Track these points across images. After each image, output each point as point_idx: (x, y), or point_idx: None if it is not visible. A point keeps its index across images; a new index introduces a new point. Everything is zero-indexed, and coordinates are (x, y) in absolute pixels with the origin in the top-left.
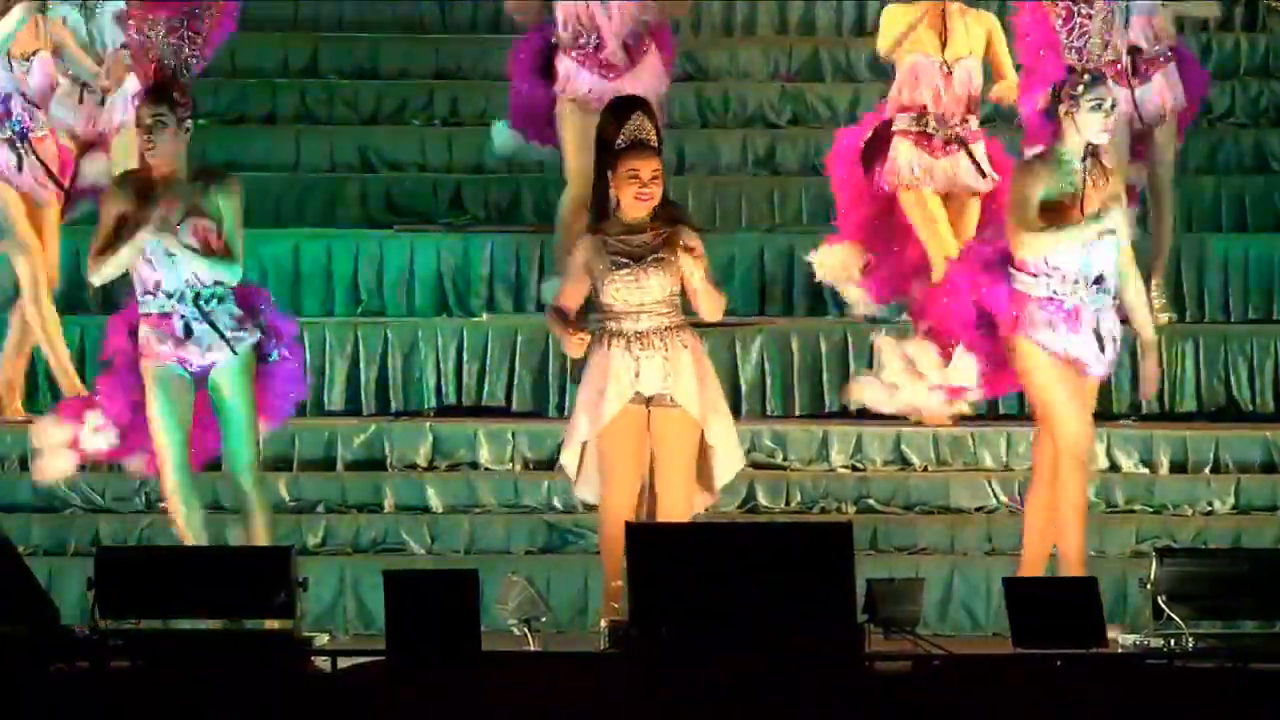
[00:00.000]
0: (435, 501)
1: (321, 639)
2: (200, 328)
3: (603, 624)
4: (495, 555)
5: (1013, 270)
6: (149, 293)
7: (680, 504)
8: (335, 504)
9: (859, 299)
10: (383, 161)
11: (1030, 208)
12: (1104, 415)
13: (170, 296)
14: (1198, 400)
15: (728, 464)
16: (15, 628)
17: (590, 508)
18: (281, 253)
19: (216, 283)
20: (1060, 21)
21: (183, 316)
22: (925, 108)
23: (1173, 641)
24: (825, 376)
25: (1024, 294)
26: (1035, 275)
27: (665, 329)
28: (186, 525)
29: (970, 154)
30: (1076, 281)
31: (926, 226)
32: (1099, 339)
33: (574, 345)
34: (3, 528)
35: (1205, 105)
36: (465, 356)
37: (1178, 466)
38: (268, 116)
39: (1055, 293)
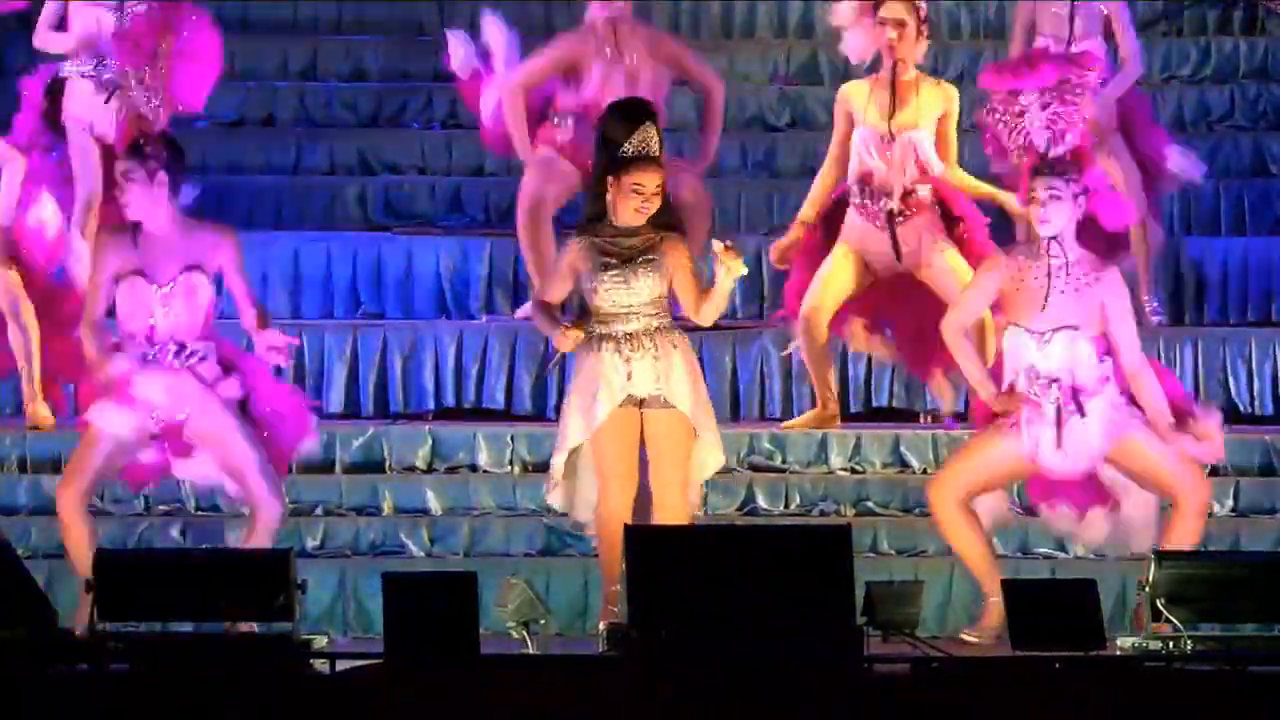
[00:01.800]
0: (434, 504)
1: (320, 641)
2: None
3: (602, 627)
4: (494, 558)
5: None
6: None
7: (678, 504)
8: (334, 506)
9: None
10: (382, 164)
11: (971, 291)
12: None
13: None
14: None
15: (711, 461)
16: (14, 630)
17: (563, 515)
18: (281, 255)
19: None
20: (1001, 125)
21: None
22: (870, 176)
23: (1171, 644)
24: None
25: None
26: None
27: (655, 330)
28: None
29: (893, 232)
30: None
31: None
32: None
33: (565, 340)
34: (2, 530)
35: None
36: (464, 359)
37: None
38: (267, 119)
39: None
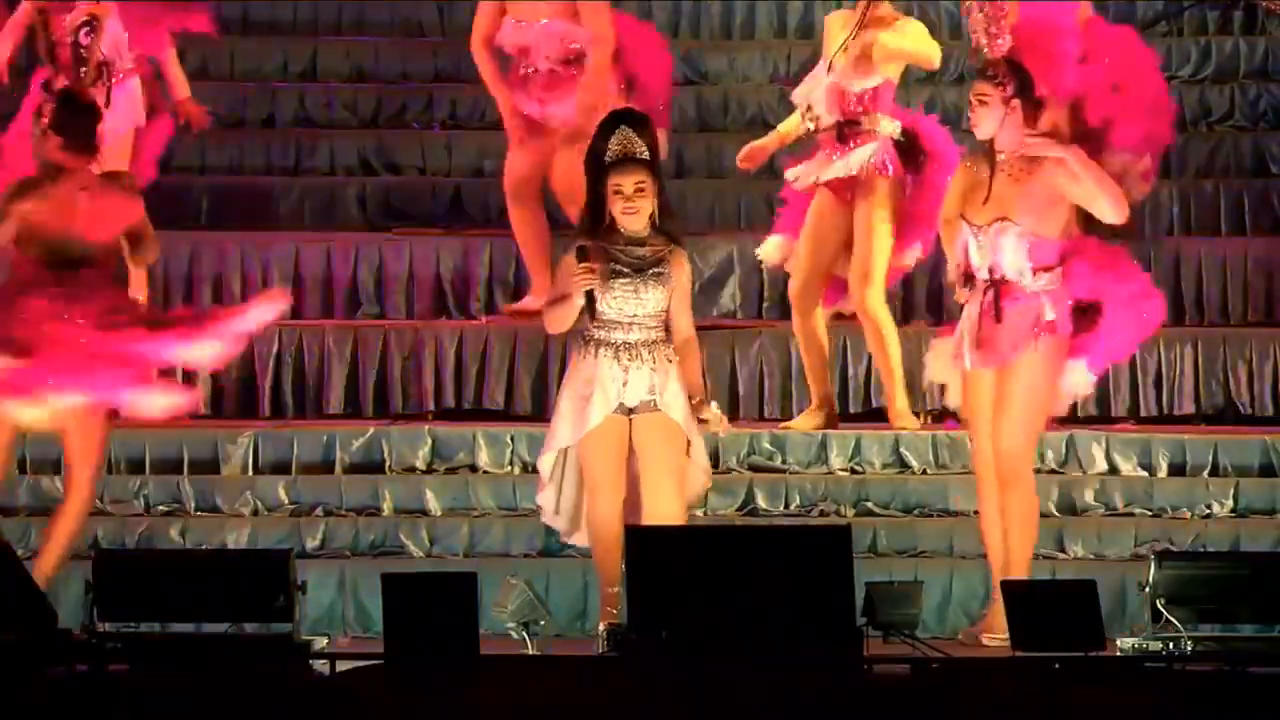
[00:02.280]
0: (434, 504)
1: (320, 642)
2: None
3: (601, 627)
4: (494, 558)
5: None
6: None
7: (673, 509)
8: (334, 507)
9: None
10: (382, 164)
11: (944, 202)
12: (1103, 418)
13: None
14: (1196, 403)
15: (696, 483)
16: (13, 631)
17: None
18: (281, 255)
19: None
20: (969, 19)
21: None
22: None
23: (1171, 645)
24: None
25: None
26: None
27: (653, 342)
28: None
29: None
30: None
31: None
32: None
33: (581, 282)
34: (1, 530)
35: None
36: (464, 359)
37: (1176, 469)
38: (267, 120)
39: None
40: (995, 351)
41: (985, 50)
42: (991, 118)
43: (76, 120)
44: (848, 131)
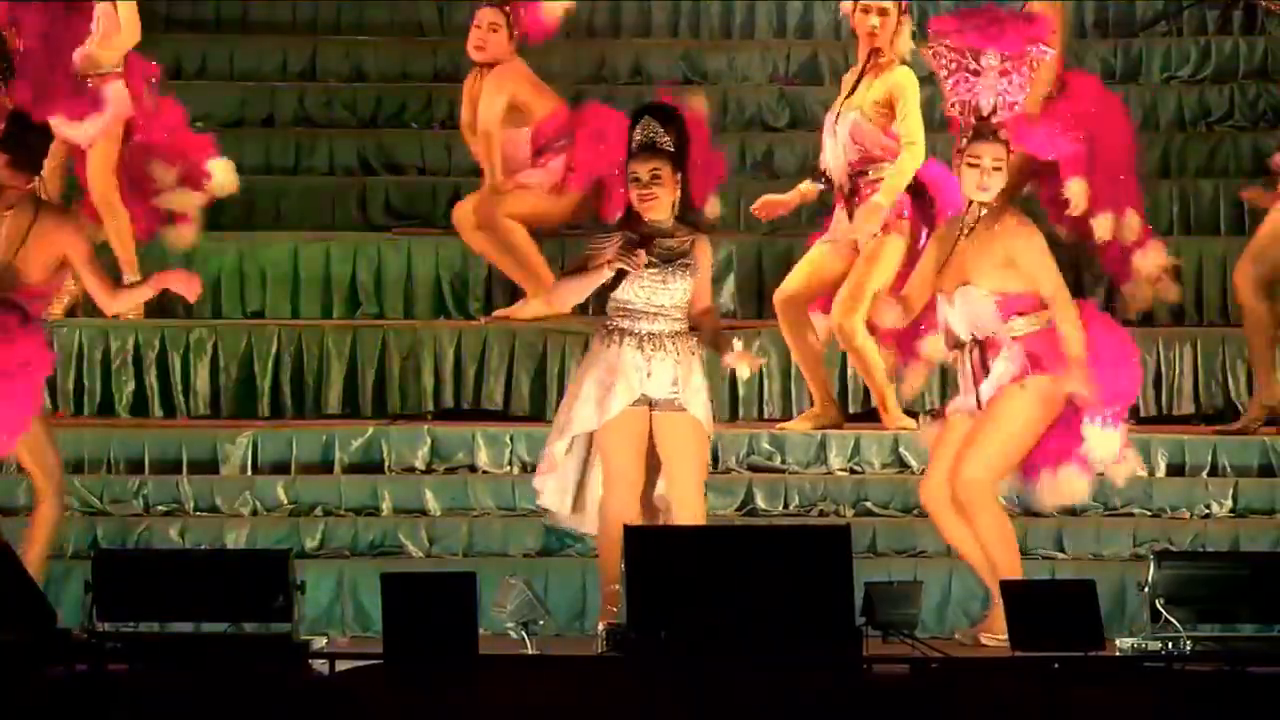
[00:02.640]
0: (433, 504)
1: (319, 642)
2: None
3: (600, 627)
4: (493, 558)
5: None
6: None
7: (697, 505)
8: (333, 507)
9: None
10: (381, 164)
11: (921, 260)
12: None
13: None
14: (1196, 403)
15: None
16: (13, 631)
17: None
18: (280, 256)
19: None
20: (945, 74)
21: None
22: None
23: (1170, 645)
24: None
25: None
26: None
27: (676, 334)
28: None
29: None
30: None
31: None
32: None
33: (622, 261)
34: (1, 530)
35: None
36: (463, 360)
37: (1175, 470)
38: (266, 120)
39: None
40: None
41: (983, 108)
42: (1001, 182)
43: (26, 138)
44: (860, 182)
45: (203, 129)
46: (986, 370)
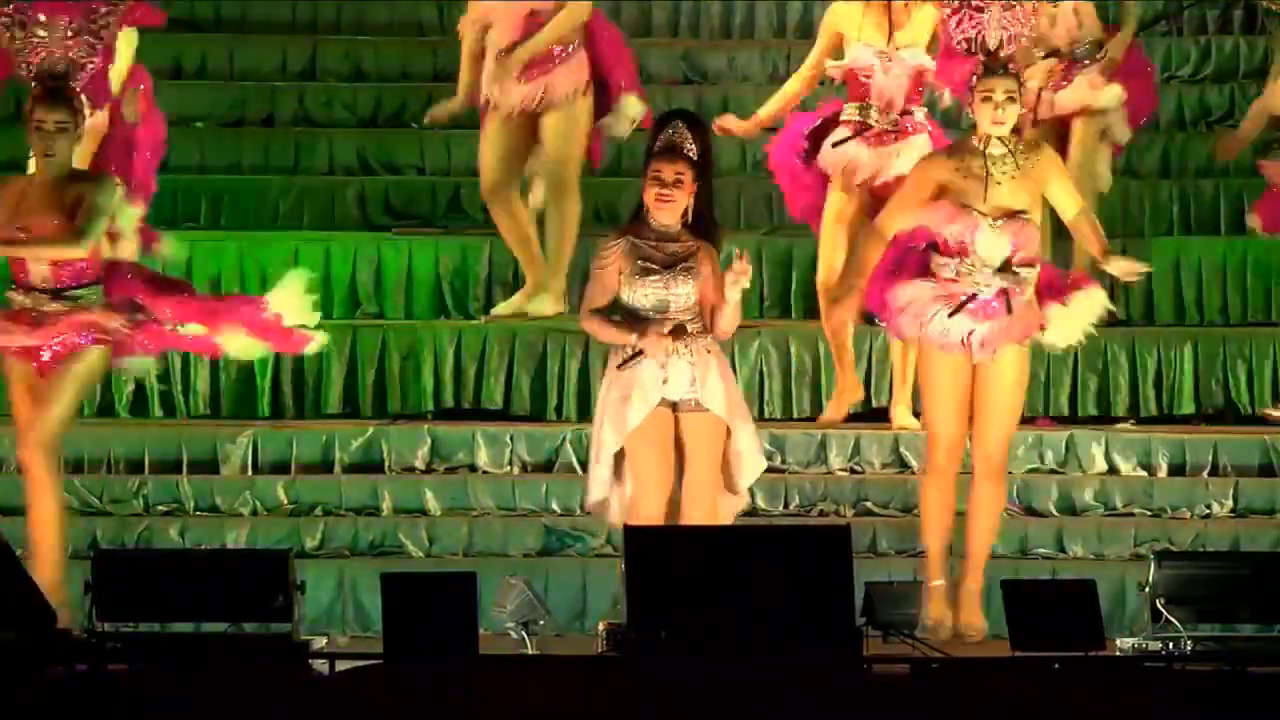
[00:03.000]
0: (433, 504)
1: (319, 642)
2: None
3: (600, 627)
4: (493, 558)
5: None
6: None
7: (708, 507)
8: (333, 507)
9: None
10: (381, 164)
11: (911, 188)
12: (1103, 418)
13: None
14: (1196, 403)
15: (752, 468)
16: (13, 631)
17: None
18: (280, 255)
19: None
20: (949, 11)
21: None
22: (867, 98)
23: (1171, 645)
24: (824, 379)
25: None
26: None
27: (691, 335)
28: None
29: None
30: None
31: (827, 227)
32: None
33: (654, 342)
34: (1, 530)
35: (1154, 117)
36: (463, 359)
37: (1176, 469)
38: (266, 119)
39: (958, 274)
40: (992, 344)
41: (989, 43)
42: (1016, 114)
43: None
44: (903, 120)
45: (203, 129)
46: (1009, 308)
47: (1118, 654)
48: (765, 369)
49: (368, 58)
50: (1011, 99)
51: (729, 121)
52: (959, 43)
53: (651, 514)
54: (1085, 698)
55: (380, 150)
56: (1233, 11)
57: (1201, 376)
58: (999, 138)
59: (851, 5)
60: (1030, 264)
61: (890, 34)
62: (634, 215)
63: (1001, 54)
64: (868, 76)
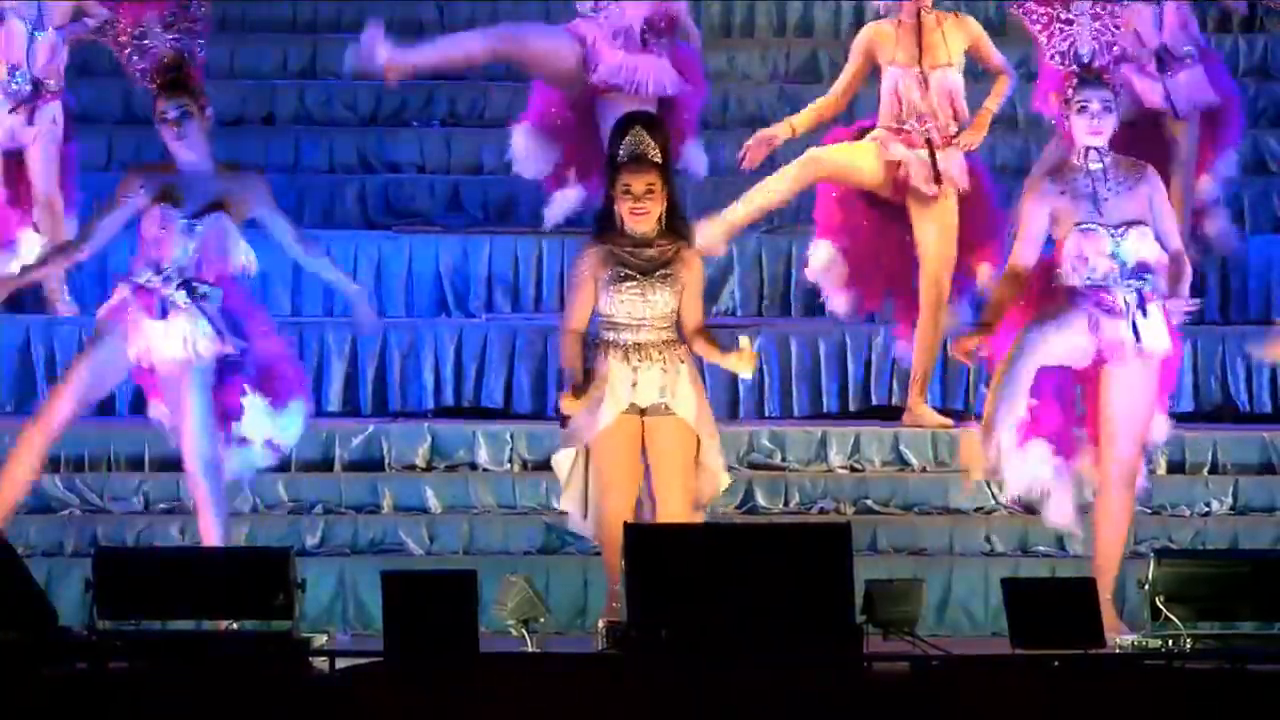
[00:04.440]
0: (433, 502)
1: (320, 640)
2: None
3: (601, 625)
4: (493, 556)
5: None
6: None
7: (682, 510)
8: (333, 505)
9: (841, 306)
10: (381, 162)
11: (1027, 222)
12: None
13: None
14: (1195, 401)
15: (714, 484)
16: (13, 630)
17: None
18: (280, 254)
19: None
20: (1039, 28)
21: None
22: (902, 119)
23: (1171, 643)
24: (824, 378)
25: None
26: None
27: (664, 343)
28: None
29: (933, 157)
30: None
31: (800, 160)
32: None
33: (568, 402)
34: (2, 530)
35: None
36: (464, 357)
37: (1175, 467)
38: (266, 117)
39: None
40: (1130, 354)
41: (1083, 55)
42: (1112, 125)
43: None
44: (943, 134)
45: None
46: (1143, 309)
47: (1117, 652)
48: (765, 367)
49: None
50: (1108, 109)
51: (771, 136)
52: (1052, 57)
53: (617, 513)
54: (1085, 695)
55: (380, 148)
56: (1233, 10)
57: (1201, 375)
58: (1096, 149)
59: (883, 27)
60: (1153, 270)
61: (921, 56)
62: (604, 221)
63: (1095, 64)
64: (901, 99)
